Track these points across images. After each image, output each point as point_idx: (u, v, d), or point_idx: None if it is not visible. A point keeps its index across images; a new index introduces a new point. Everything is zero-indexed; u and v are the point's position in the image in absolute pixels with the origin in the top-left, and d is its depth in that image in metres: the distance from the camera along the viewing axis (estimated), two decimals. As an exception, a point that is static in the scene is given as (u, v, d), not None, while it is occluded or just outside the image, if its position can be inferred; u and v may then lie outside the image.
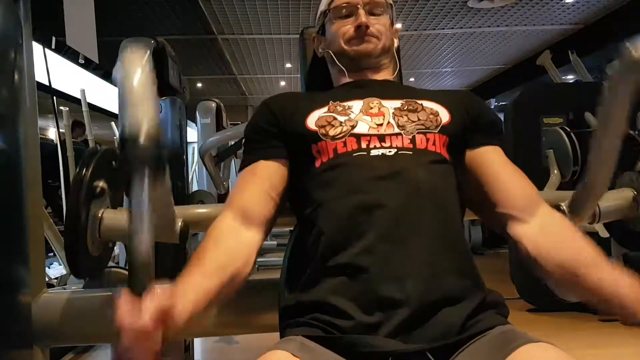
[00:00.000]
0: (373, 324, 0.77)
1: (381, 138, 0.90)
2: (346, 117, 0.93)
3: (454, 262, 0.83)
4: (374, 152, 0.89)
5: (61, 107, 2.66)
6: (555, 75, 4.42)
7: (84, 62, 4.41)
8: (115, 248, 1.24)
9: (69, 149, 2.60)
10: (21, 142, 1.06)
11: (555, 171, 2.81)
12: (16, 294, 1.05)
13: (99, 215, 1.04)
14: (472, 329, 0.78)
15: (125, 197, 1.11)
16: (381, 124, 0.92)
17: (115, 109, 0.82)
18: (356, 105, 0.96)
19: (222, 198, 3.36)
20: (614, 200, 1.21)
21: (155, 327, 0.66)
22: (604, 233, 2.65)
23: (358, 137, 0.90)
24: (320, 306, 0.81)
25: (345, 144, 0.90)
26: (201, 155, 3.20)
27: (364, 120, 0.93)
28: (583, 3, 5.55)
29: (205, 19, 5.82)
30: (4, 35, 1.02)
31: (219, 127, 3.85)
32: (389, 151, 0.89)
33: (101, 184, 1.04)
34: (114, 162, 1.09)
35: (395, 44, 1.10)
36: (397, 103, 0.96)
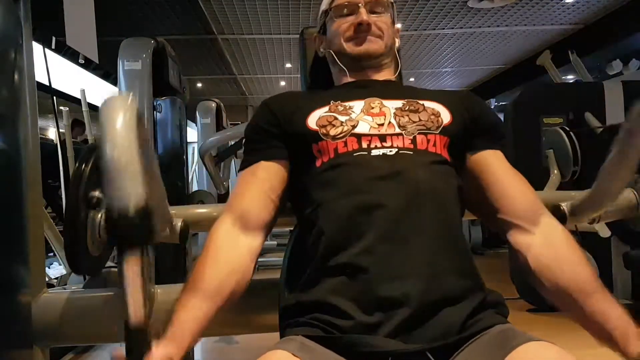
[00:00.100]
0: (373, 324, 0.77)
1: (382, 138, 0.90)
2: (347, 117, 0.93)
3: (454, 262, 0.83)
4: (374, 152, 0.88)
5: (61, 107, 2.66)
6: (555, 75, 4.42)
7: (84, 62, 4.42)
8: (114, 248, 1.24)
9: (69, 149, 2.60)
10: (21, 142, 1.06)
11: (555, 171, 2.82)
12: (16, 294, 1.04)
13: (99, 215, 1.04)
14: (472, 329, 0.78)
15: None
16: (382, 124, 0.92)
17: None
18: (357, 105, 0.96)
19: (222, 198, 3.36)
20: (614, 200, 1.21)
21: None
22: (604, 233, 2.66)
23: (359, 136, 0.90)
24: (320, 306, 0.81)
25: (346, 143, 0.90)
26: (201, 155, 3.21)
27: (365, 120, 0.92)
28: (583, 3, 5.55)
29: (205, 19, 5.82)
30: (4, 35, 1.02)
31: (219, 127, 3.86)
32: (390, 151, 0.88)
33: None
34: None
35: (397, 44, 1.09)
36: (399, 103, 0.96)
